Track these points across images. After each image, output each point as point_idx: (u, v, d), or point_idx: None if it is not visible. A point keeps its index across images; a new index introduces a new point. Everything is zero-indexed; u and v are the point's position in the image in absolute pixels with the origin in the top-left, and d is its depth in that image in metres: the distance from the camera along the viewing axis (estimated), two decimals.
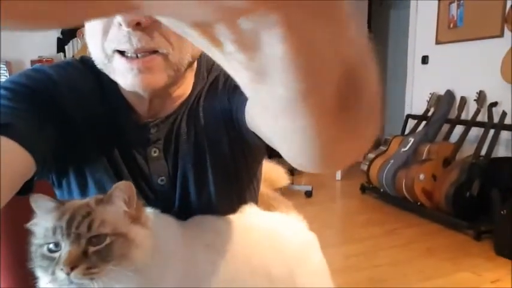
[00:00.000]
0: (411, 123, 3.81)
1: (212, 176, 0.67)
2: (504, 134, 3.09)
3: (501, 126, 2.97)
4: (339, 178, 4.20)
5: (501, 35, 3.12)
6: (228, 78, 0.67)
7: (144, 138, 0.64)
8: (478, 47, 3.34)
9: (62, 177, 0.64)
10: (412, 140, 3.35)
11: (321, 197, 3.64)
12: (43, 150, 0.55)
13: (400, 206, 3.32)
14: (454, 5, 3.52)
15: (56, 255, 0.45)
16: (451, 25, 3.57)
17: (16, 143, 0.50)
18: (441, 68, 3.73)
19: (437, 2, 3.69)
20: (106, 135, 0.63)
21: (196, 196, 0.66)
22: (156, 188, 0.65)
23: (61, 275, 0.43)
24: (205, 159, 0.66)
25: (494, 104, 3.13)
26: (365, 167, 3.72)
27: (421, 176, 3.04)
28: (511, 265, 2.31)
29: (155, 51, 0.54)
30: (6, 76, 3.46)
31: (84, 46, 3.75)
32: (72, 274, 0.43)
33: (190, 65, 0.60)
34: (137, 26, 0.51)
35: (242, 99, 0.59)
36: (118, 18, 0.51)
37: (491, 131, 2.98)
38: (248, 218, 0.67)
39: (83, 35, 3.75)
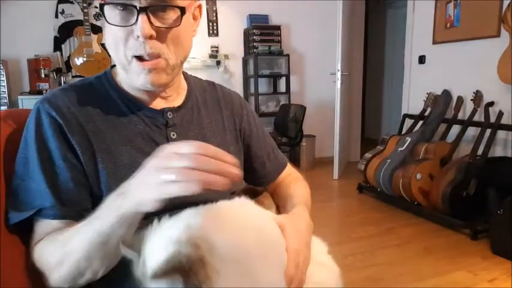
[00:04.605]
0: (408, 122, 3.82)
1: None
2: (501, 134, 3.11)
3: (498, 126, 2.98)
4: (336, 177, 4.20)
5: (498, 35, 3.13)
6: (248, 107, 1.01)
7: (163, 122, 0.82)
8: (474, 47, 3.35)
9: (91, 169, 0.75)
10: (409, 139, 3.36)
11: (319, 197, 3.64)
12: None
13: (397, 205, 3.33)
14: (450, 5, 3.53)
15: None
16: (448, 25, 3.58)
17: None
18: (438, 67, 3.74)
19: (434, 1, 3.69)
20: (129, 127, 0.79)
21: None
22: None
23: None
24: (208, 142, 0.81)
25: (491, 103, 3.14)
26: (362, 167, 3.73)
27: (418, 176, 3.05)
28: (507, 264, 2.32)
29: (160, 56, 0.73)
30: (3, 75, 3.43)
31: (81, 45, 3.75)
32: None
33: (181, 64, 0.81)
34: (150, 37, 0.70)
35: (255, 142, 0.98)
36: (137, 32, 0.70)
37: (488, 131, 2.99)
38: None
39: (79, 34, 3.75)
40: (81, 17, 3.70)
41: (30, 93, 3.63)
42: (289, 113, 4.16)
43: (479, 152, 2.92)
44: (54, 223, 0.71)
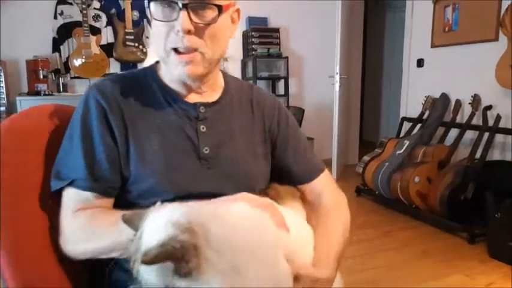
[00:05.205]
0: (406, 125, 3.83)
1: (240, 152, 0.92)
2: (498, 137, 3.12)
3: (495, 129, 2.99)
4: (334, 180, 4.19)
5: (496, 38, 3.14)
6: (282, 109, 1.04)
7: (195, 115, 0.88)
8: (473, 50, 3.36)
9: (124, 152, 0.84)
10: (407, 142, 3.36)
11: None
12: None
13: (395, 208, 3.33)
14: (449, 9, 3.55)
15: None
16: (446, 29, 3.59)
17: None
18: (436, 71, 3.75)
19: (432, 5, 3.71)
20: (163, 117, 0.86)
21: (227, 162, 0.89)
22: (201, 155, 0.87)
23: None
24: (236, 139, 0.92)
25: (489, 107, 3.16)
26: (360, 169, 3.73)
27: (416, 179, 3.06)
28: (504, 268, 2.32)
29: (196, 50, 0.81)
30: (1, 76, 3.42)
31: (79, 46, 3.74)
32: None
33: (217, 61, 0.89)
34: (189, 32, 0.78)
35: (288, 146, 0.99)
36: (178, 27, 0.78)
37: (486, 134, 3.00)
38: None
39: (78, 35, 3.74)
40: (80, 18, 3.70)
41: (29, 94, 3.62)
42: None
43: (477, 155, 2.93)
44: (86, 194, 0.81)
